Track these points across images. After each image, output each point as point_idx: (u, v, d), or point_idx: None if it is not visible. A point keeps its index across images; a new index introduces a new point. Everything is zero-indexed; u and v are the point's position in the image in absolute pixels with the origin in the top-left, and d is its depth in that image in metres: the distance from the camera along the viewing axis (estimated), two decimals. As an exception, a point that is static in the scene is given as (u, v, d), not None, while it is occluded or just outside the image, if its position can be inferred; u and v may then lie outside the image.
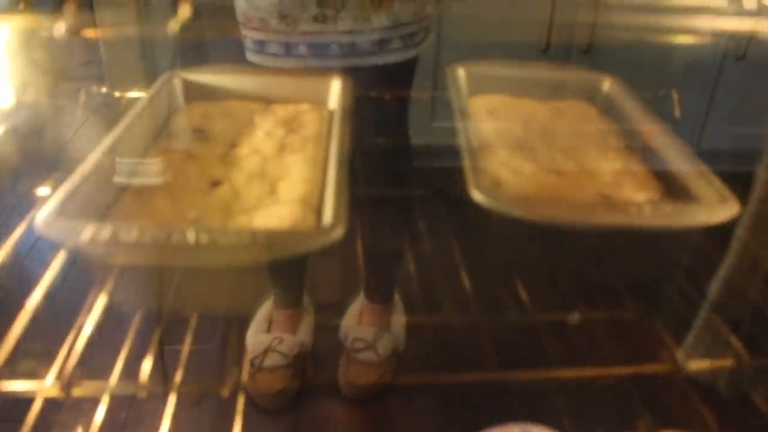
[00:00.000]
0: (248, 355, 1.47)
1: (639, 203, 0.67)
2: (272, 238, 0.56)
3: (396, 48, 1.23)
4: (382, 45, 1.21)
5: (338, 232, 0.58)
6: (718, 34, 2.36)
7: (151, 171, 0.74)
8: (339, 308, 1.56)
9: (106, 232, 0.56)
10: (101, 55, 1.38)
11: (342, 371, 1.51)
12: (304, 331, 1.55)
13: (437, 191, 1.09)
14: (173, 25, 0.74)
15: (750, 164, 0.84)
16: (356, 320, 1.57)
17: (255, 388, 1.43)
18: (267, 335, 1.51)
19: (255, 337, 1.51)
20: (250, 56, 1.23)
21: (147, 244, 0.55)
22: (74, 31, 0.81)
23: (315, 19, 1.17)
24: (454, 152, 0.76)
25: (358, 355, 1.50)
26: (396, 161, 1.29)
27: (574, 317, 0.66)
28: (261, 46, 1.20)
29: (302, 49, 1.19)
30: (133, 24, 1.28)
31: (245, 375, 1.45)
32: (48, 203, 0.60)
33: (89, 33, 0.87)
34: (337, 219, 0.60)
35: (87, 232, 0.56)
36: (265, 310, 1.60)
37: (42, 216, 0.58)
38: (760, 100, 2.37)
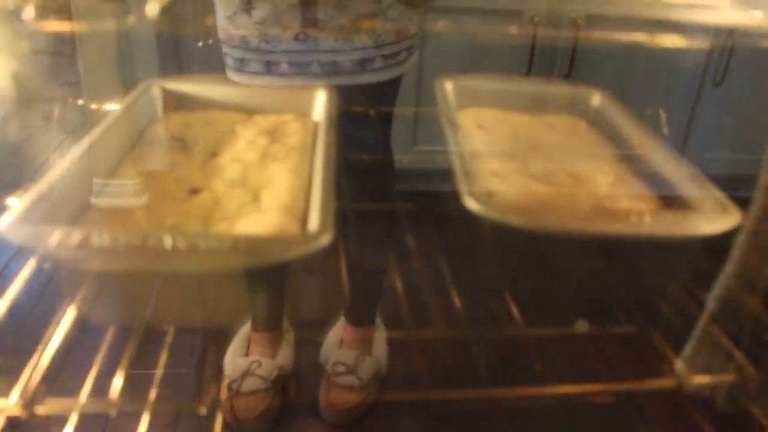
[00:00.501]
0: (226, 379, 1.43)
1: (639, 212, 0.64)
2: (256, 243, 0.53)
3: (378, 67, 1.21)
4: (363, 64, 1.20)
5: (325, 239, 0.55)
6: (697, 62, 2.39)
7: (129, 192, 0.70)
8: (321, 326, 1.52)
9: (75, 236, 0.52)
10: (79, 67, 1.35)
11: (323, 395, 1.47)
12: (284, 354, 1.50)
13: (424, 207, 1.06)
14: (153, 7, 0.70)
15: (730, 189, 0.83)
16: (337, 344, 1.53)
17: (233, 413, 1.38)
18: (245, 359, 1.46)
19: (233, 361, 1.46)
20: (231, 75, 1.20)
21: (121, 249, 0.51)
22: (44, 17, 0.78)
23: (296, 38, 1.15)
24: (435, 175, 0.73)
25: (338, 379, 1.46)
26: (380, 178, 1.26)
27: (582, 326, 0.63)
28: (241, 65, 1.18)
29: (284, 68, 1.17)
30: (111, 19, 1.25)
31: (223, 397, 1.40)
32: (13, 208, 0.56)
33: (63, 26, 0.84)
34: (324, 226, 0.57)
35: (55, 237, 0.52)
36: (243, 332, 1.55)
37: (6, 221, 0.55)
38: (737, 125, 2.39)
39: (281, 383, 1.48)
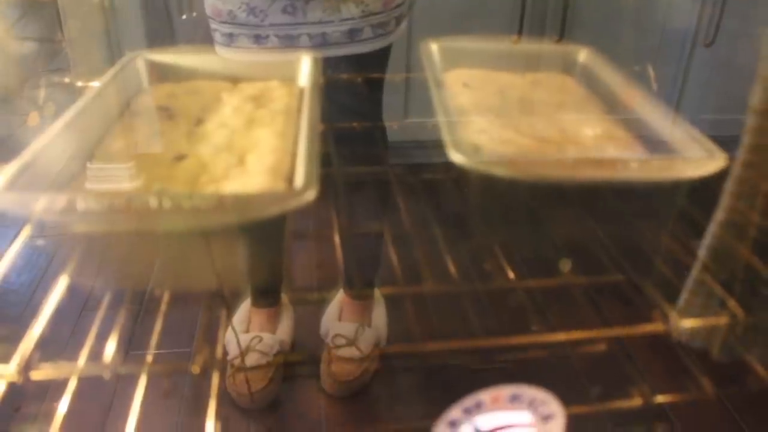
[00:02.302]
0: (228, 356, 1.44)
1: (624, 158, 0.64)
2: (240, 200, 0.53)
3: (367, 38, 1.21)
4: (352, 35, 1.19)
5: (310, 195, 0.55)
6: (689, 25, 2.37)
7: (124, 176, 0.70)
8: (320, 300, 1.53)
9: (60, 200, 0.52)
10: (66, 50, 1.35)
11: (324, 367, 1.48)
12: (284, 329, 1.51)
13: (416, 177, 1.06)
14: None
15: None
16: (336, 316, 1.54)
17: (235, 389, 1.40)
18: (246, 335, 1.47)
19: (233, 338, 1.47)
20: (220, 50, 1.20)
21: (105, 211, 0.51)
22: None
23: (284, 10, 1.14)
24: (429, 146, 0.73)
25: (339, 351, 1.47)
26: (372, 146, 1.26)
27: (565, 264, 0.63)
28: (230, 40, 1.18)
29: (272, 41, 1.17)
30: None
31: (227, 374, 1.42)
32: (-1, 177, 0.56)
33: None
34: (308, 183, 0.57)
35: (40, 202, 0.52)
36: (242, 310, 1.56)
37: (-7, 189, 0.55)
38: (728, 87, 2.38)
39: (283, 357, 1.49)
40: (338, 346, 1.48)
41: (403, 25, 1.30)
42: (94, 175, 0.66)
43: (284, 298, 1.57)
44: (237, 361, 1.42)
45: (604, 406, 0.67)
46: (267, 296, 1.53)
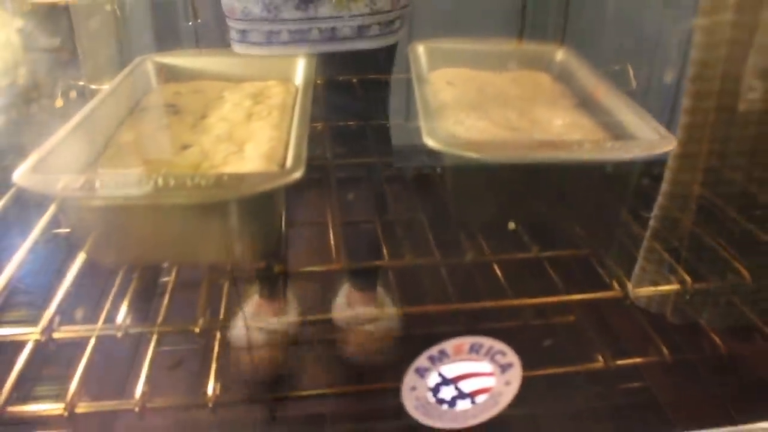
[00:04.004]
0: (236, 347, 1.49)
1: (581, 141, 0.71)
2: (236, 177, 0.61)
3: (375, 34, 1.27)
4: (361, 31, 1.25)
5: (297, 173, 0.62)
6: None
7: (133, 182, 0.77)
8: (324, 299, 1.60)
9: (78, 180, 0.60)
10: (79, 57, 1.42)
11: (340, 341, 1.53)
12: (292, 320, 1.58)
13: (411, 176, 1.13)
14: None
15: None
16: (345, 307, 1.60)
17: (250, 368, 1.46)
18: (255, 322, 1.54)
19: (242, 330, 1.53)
20: (235, 46, 1.26)
21: (119, 187, 0.59)
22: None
23: (297, 7, 1.21)
24: (428, 152, 0.80)
25: (356, 327, 1.53)
26: (374, 144, 1.32)
27: (511, 225, 0.70)
28: (244, 36, 1.24)
29: (284, 36, 1.23)
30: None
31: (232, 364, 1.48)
32: (25, 162, 0.64)
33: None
34: (296, 164, 0.65)
35: (61, 182, 0.60)
36: (251, 304, 1.62)
37: (19, 172, 0.63)
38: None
39: (288, 349, 1.55)
40: (353, 324, 1.53)
41: (406, 26, 1.36)
42: (105, 182, 0.73)
43: (290, 293, 1.64)
44: (246, 345, 1.48)
45: (570, 369, 0.73)
46: (273, 290, 1.59)
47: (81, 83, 1.17)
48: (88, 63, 1.28)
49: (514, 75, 1.02)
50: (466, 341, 0.58)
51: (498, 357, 0.59)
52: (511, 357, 0.60)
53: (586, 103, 0.91)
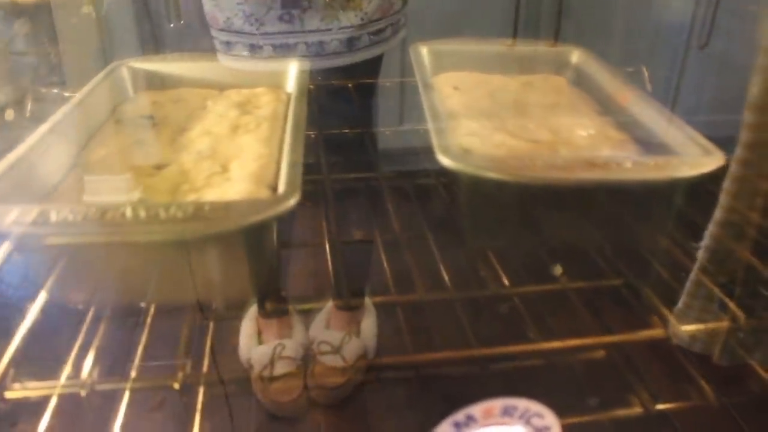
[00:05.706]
0: (255, 370, 1.41)
1: (619, 158, 0.62)
2: (218, 208, 0.51)
3: (364, 46, 1.19)
4: (350, 43, 1.17)
5: (291, 200, 0.53)
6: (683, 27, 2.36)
7: (123, 187, 0.68)
8: (316, 312, 1.52)
9: (32, 213, 0.50)
10: (60, 60, 1.33)
11: (309, 374, 1.46)
12: (300, 334, 1.50)
13: (409, 183, 1.04)
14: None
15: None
16: (324, 324, 1.53)
17: (270, 399, 1.38)
18: (267, 346, 1.45)
19: (254, 351, 1.44)
20: (220, 57, 1.18)
21: (79, 223, 0.49)
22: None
23: (280, 18, 1.12)
24: (423, 154, 0.71)
25: (323, 357, 1.45)
26: (363, 152, 1.24)
27: (557, 270, 0.61)
28: (227, 48, 1.16)
29: (267, 51, 1.15)
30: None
31: (255, 387, 1.39)
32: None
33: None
34: (291, 189, 0.55)
35: (11, 214, 0.50)
36: (250, 323, 1.54)
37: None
38: (723, 86, 2.36)
39: (306, 363, 1.47)
40: (323, 353, 1.46)
41: (401, 33, 1.28)
42: (92, 188, 0.64)
43: (290, 309, 1.56)
44: (266, 372, 1.40)
45: (604, 415, 0.64)
46: (275, 308, 1.51)
47: (55, 91, 1.07)
48: (70, 70, 1.19)
49: (527, 79, 0.93)
50: (497, 404, 0.49)
51: (535, 420, 0.50)
52: (550, 419, 0.51)
53: (609, 111, 0.82)
